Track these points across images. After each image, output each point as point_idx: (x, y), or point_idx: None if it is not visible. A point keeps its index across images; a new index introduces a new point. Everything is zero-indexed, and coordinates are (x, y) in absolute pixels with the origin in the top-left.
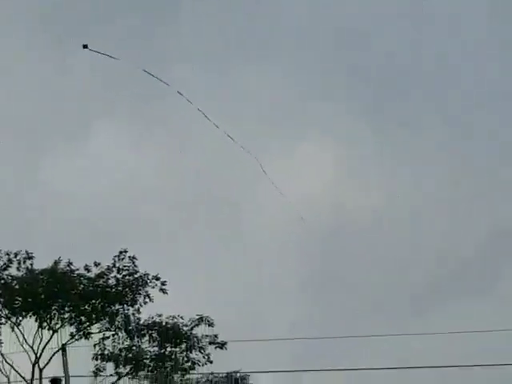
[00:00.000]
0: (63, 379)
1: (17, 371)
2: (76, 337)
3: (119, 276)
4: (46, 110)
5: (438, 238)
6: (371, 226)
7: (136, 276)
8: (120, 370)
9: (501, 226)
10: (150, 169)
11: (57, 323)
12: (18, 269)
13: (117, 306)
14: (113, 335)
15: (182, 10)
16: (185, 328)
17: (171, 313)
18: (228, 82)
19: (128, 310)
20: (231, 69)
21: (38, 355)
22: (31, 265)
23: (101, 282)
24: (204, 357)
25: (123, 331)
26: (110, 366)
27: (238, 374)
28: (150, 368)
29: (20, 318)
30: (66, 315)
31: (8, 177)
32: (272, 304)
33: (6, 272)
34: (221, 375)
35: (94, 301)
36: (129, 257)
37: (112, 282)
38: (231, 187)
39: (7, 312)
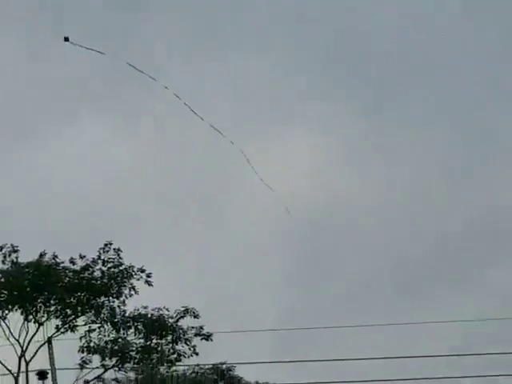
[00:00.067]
0: (49, 372)
1: (3, 364)
2: (62, 330)
3: (104, 268)
4: (31, 105)
5: (423, 228)
6: (357, 217)
7: (121, 268)
8: (106, 363)
9: (489, 215)
10: (136, 162)
11: (43, 316)
12: (3, 262)
13: (102, 299)
14: (98, 328)
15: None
16: (170, 320)
17: (156, 305)
18: (213, 73)
19: (113, 302)
20: (217, 60)
21: (24, 348)
22: (16, 258)
23: (86, 274)
24: (190, 349)
25: (109, 323)
26: (96, 359)
27: (224, 366)
28: (136, 360)
29: (6, 312)
30: (52, 308)
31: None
32: (257, 295)
33: None
34: (207, 367)
35: (79, 293)
36: (114, 249)
37: (97, 274)
38: (217, 180)
39: None
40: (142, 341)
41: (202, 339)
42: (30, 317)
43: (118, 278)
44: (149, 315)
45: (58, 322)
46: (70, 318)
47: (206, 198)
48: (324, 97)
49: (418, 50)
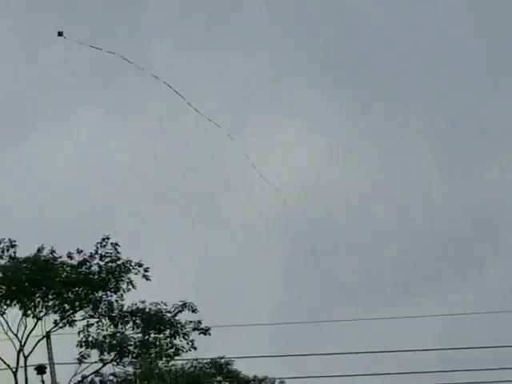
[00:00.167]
0: (48, 366)
1: (2, 359)
2: (60, 324)
3: (102, 263)
4: (29, 104)
5: (421, 222)
6: (356, 211)
7: (119, 263)
8: (104, 357)
9: (486, 209)
10: (135, 159)
11: (41, 311)
12: (0, 257)
13: (100, 293)
14: (97, 322)
15: None
16: (168, 314)
17: (154, 299)
18: (213, 72)
19: (111, 296)
20: (216, 59)
21: (23, 343)
22: (14, 253)
23: (84, 269)
24: (188, 343)
25: (107, 318)
26: (94, 353)
27: (223, 360)
28: (134, 354)
29: (4, 307)
30: (50, 303)
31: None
32: (256, 290)
33: None
34: (205, 361)
35: (77, 288)
36: (111, 243)
37: (95, 269)
38: (216, 177)
39: None
40: (140, 335)
41: (200, 333)
42: (29, 312)
43: (115, 273)
44: (147, 310)
45: (57, 316)
46: (68, 313)
47: (204, 194)
48: (324, 96)
49: (417, 49)
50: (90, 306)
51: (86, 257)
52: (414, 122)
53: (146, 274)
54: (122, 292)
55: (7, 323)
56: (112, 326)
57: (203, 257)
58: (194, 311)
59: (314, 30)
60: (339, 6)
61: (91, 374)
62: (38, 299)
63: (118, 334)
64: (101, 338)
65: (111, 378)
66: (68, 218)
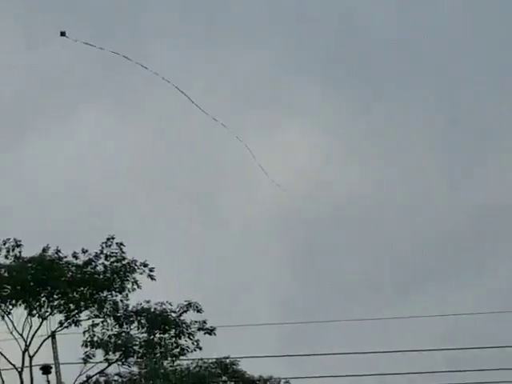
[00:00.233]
0: (53, 366)
1: (7, 359)
2: (65, 324)
3: (107, 263)
4: (25, 98)
5: (423, 220)
6: (358, 210)
7: (124, 262)
8: (109, 357)
9: (488, 208)
10: (133, 155)
11: (46, 311)
12: (6, 257)
13: (105, 293)
14: (102, 322)
15: None
16: (173, 314)
17: (159, 299)
18: (212, 72)
19: (116, 296)
20: (218, 50)
21: (28, 343)
22: (19, 253)
23: (89, 268)
24: (193, 343)
25: (112, 318)
26: (99, 353)
27: (228, 360)
28: (139, 354)
29: (10, 307)
30: (55, 303)
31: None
32: (260, 289)
33: None
34: (210, 361)
35: (82, 288)
36: (116, 243)
37: (100, 268)
38: (217, 175)
39: None
40: (145, 335)
41: (205, 333)
42: (34, 311)
43: (120, 273)
44: (152, 309)
45: (62, 316)
46: (74, 313)
47: (205, 194)
48: (324, 96)
49: (417, 49)
50: (95, 306)
51: (91, 257)
52: (414, 122)
53: (151, 273)
54: (127, 292)
55: (12, 323)
56: (117, 326)
57: (205, 257)
58: (198, 311)
59: (314, 30)
60: (339, 6)
61: (96, 373)
62: (44, 299)
63: (123, 334)
64: (106, 337)
65: (116, 377)
66: (68, 217)
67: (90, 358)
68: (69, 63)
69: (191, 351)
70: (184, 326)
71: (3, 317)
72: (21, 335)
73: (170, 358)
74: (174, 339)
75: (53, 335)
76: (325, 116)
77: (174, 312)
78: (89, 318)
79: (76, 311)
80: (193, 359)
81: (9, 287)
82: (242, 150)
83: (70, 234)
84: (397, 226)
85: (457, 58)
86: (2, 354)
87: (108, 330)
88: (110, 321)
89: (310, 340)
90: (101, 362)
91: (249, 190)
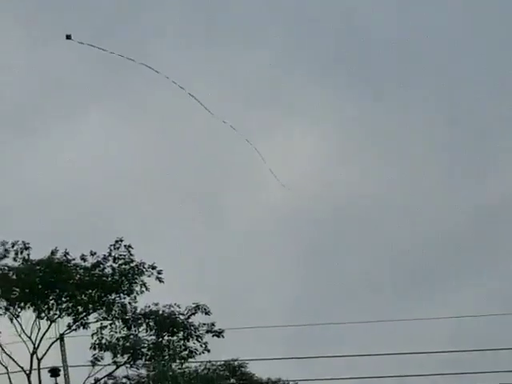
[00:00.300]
0: (62, 369)
1: (15, 362)
2: (73, 327)
3: (115, 265)
4: (28, 99)
5: (422, 222)
6: (364, 210)
7: (132, 265)
8: (118, 359)
9: (492, 207)
10: (139, 155)
11: (55, 313)
12: (14, 259)
13: (113, 296)
14: (110, 325)
15: None
16: (181, 317)
17: (166, 301)
18: (212, 72)
19: (125, 299)
20: (218, 50)
21: (37, 345)
22: (28, 255)
23: (97, 271)
24: (201, 345)
25: (120, 320)
26: (107, 356)
27: (236, 362)
28: (147, 357)
29: (18, 310)
30: (64, 305)
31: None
32: (267, 291)
33: (3, 262)
34: (219, 363)
35: (90, 290)
36: (124, 246)
37: (108, 271)
38: (223, 176)
39: (5, 303)
40: (153, 337)
41: (213, 336)
42: (42, 314)
43: (128, 275)
44: (160, 312)
45: (70, 319)
46: (82, 315)
47: (210, 195)
48: (324, 96)
49: (417, 49)
50: (104, 309)
51: (99, 259)
52: (414, 122)
53: (159, 276)
54: (135, 294)
55: (21, 326)
56: (125, 329)
57: (211, 258)
58: (207, 313)
59: (314, 30)
60: (339, 6)
61: (105, 376)
62: (52, 302)
63: (132, 337)
64: (114, 340)
65: (124, 380)
66: (70, 218)
67: (99, 361)
68: (72, 64)
69: (199, 353)
70: (192, 328)
71: (12, 319)
72: (29, 338)
73: (178, 361)
74: (182, 342)
75: (61, 338)
76: (325, 116)
77: (183, 314)
78: (97, 321)
79: (84, 314)
80: (201, 361)
81: (17, 290)
82: (247, 150)
83: (72, 234)
84: (398, 226)
85: (457, 58)
86: (10, 357)
87: (116, 332)
88: (119, 323)
89: (318, 342)
90: (109, 364)
91: (253, 191)
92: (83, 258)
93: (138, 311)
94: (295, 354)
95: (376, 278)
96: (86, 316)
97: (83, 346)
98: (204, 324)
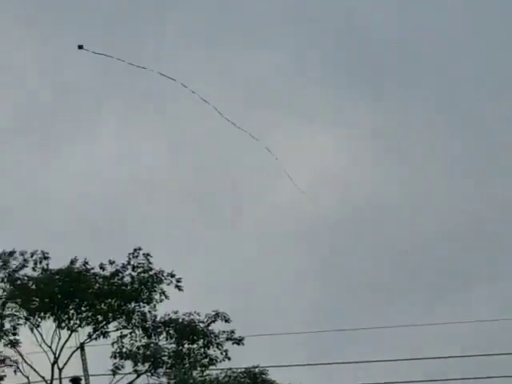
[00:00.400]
0: (83, 378)
1: (37, 371)
2: (94, 336)
3: (134, 274)
4: (51, 108)
5: (447, 221)
6: (382, 213)
7: (151, 273)
8: (138, 368)
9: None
10: (159, 166)
11: (75, 323)
12: (33, 269)
13: (133, 304)
14: (130, 333)
15: None
16: (201, 324)
17: (187, 309)
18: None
19: (144, 307)
20: (229, 53)
21: (57, 355)
22: (47, 265)
23: (116, 280)
24: (222, 353)
25: (140, 329)
26: (128, 364)
27: (257, 370)
28: (168, 365)
29: (38, 319)
30: (83, 314)
31: (20, 177)
32: (287, 296)
33: (22, 272)
34: (239, 371)
35: (110, 299)
36: (143, 254)
37: (127, 279)
38: (243, 181)
39: (25, 313)
40: (173, 346)
41: (233, 343)
42: (63, 324)
43: (148, 284)
44: (180, 320)
45: (90, 328)
46: (102, 324)
47: (231, 200)
48: (337, 95)
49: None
50: (124, 317)
51: (118, 268)
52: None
53: (179, 284)
54: (154, 303)
55: (41, 335)
56: (145, 337)
57: (228, 265)
58: (226, 321)
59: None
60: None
61: None
62: (72, 311)
63: (152, 345)
64: (134, 348)
65: None
66: (85, 226)
67: (119, 370)
68: (82, 68)
69: (220, 361)
70: (212, 336)
71: (32, 329)
72: (50, 347)
73: (198, 369)
74: (202, 349)
75: (82, 347)
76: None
77: (202, 322)
78: (117, 330)
79: (104, 323)
80: (222, 369)
81: (37, 300)
82: (259, 153)
83: (89, 243)
84: (416, 227)
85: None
86: (31, 367)
87: (136, 341)
88: (139, 332)
89: (339, 347)
90: (130, 373)
91: (268, 194)
92: (102, 267)
93: (157, 319)
94: (316, 360)
95: (397, 281)
96: (105, 325)
97: (104, 355)
98: (224, 331)
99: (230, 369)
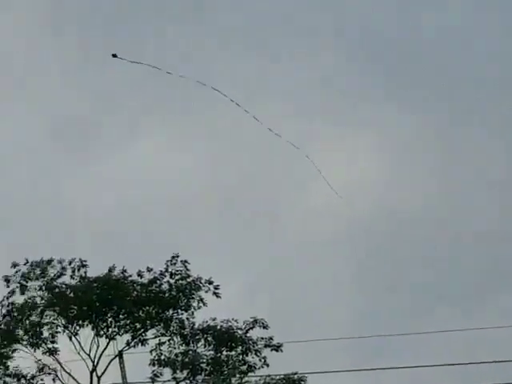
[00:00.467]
0: None
1: (75, 379)
2: (132, 343)
3: (172, 281)
4: (86, 116)
5: (485, 230)
6: (420, 221)
7: (189, 280)
8: (177, 375)
9: None
10: (196, 173)
11: (114, 331)
12: (71, 277)
13: (171, 312)
14: (168, 340)
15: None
16: (239, 331)
17: (225, 316)
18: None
19: (182, 314)
20: (266, 62)
21: (96, 363)
22: (85, 273)
23: (154, 287)
24: (260, 360)
25: (178, 336)
26: (167, 372)
27: (296, 376)
28: (206, 372)
29: (77, 327)
30: (122, 322)
31: (59, 186)
32: (325, 302)
33: (60, 281)
34: (278, 377)
35: (148, 307)
36: (181, 261)
37: (165, 287)
38: (280, 188)
39: (63, 321)
40: (212, 353)
41: (271, 350)
42: (101, 332)
43: (186, 291)
44: (218, 327)
45: (128, 336)
46: (140, 332)
47: (269, 207)
48: (376, 101)
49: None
50: (162, 325)
51: (156, 275)
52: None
53: (217, 291)
54: (192, 310)
55: (80, 343)
56: (184, 344)
57: (267, 271)
58: (265, 327)
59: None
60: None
61: None
62: (110, 319)
63: (190, 352)
64: (173, 356)
65: None
66: (123, 234)
67: (158, 377)
68: (119, 80)
69: (258, 368)
70: (250, 342)
71: (71, 337)
72: (88, 355)
73: (237, 376)
74: (240, 356)
75: (120, 355)
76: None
77: (240, 329)
78: (155, 337)
79: (142, 330)
80: (260, 376)
81: (75, 308)
82: (301, 161)
83: (134, 250)
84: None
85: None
86: (70, 375)
87: (175, 348)
88: (177, 339)
89: (379, 353)
90: (168, 380)
91: (313, 201)
92: (140, 275)
93: (195, 326)
94: (355, 366)
95: (438, 287)
96: (144, 332)
97: (142, 363)
98: (262, 338)
99: (269, 376)
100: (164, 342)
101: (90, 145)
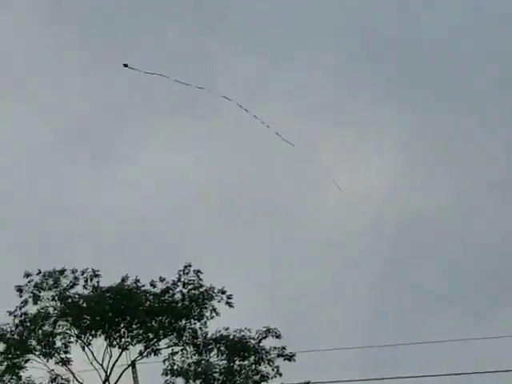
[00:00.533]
0: None
1: None
2: (145, 353)
3: (185, 291)
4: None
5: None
6: (439, 226)
7: (202, 290)
8: None
9: None
10: (209, 181)
11: (126, 341)
12: (84, 287)
13: (184, 321)
14: (181, 350)
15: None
16: (252, 341)
17: (238, 326)
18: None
19: (195, 324)
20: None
21: (109, 373)
22: (98, 283)
23: (166, 297)
24: (273, 369)
25: (191, 346)
26: (179, 381)
27: None
28: (219, 381)
29: (90, 337)
30: (134, 332)
31: (70, 196)
32: (339, 311)
33: (73, 291)
34: None
35: (160, 317)
36: (193, 271)
37: (178, 297)
38: (295, 195)
39: (76, 331)
40: (224, 362)
41: (284, 359)
42: (114, 342)
43: (198, 300)
44: (231, 337)
45: (141, 345)
46: (153, 342)
47: (283, 215)
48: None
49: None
50: (174, 335)
51: (168, 285)
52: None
53: (229, 300)
54: (205, 319)
55: (92, 353)
56: (196, 354)
57: (285, 279)
58: (277, 337)
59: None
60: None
61: None
62: (123, 329)
63: (203, 362)
64: (186, 365)
65: None
66: (143, 241)
67: None
68: (129, 86)
69: (271, 377)
70: (263, 352)
71: (83, 347)
72: (101, 365)
73: None
74: (253, 366)
75: (133, 364)
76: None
77: (253, 339)
78: (168, 347)
79: (155, 340)
80: None
81: (88, 318)
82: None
83: (145, 259)
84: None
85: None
86: None
87: (188, 357)
88: (190, 349)
89: (393, 362)
90: None
91: (326, 207)
92: (153, 284)
93: (208, 336)
94: (368, 375)
95: (457, 293)
96: (157, 342)
97: (155, 373)
98: (275, 348)
99: None
100: (177, 352)
101: (89, 145)
